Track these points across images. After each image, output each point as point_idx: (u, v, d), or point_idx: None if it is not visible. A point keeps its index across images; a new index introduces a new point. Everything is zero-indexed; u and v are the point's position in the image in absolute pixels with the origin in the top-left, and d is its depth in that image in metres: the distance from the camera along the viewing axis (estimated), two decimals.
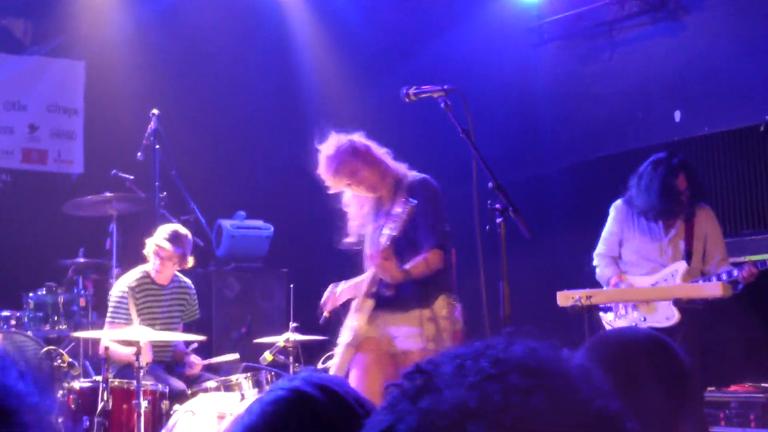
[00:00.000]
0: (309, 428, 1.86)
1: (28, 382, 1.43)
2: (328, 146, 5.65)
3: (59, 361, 6.07)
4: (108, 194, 8.03)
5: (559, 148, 9.97)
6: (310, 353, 6.89)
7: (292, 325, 6.55)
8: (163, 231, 6.96)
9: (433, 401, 1.09)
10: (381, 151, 5.70)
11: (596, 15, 9.63)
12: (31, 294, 7.99)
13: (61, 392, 5.97)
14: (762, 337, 7.52)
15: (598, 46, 9.70)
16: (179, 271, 7.20)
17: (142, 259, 7.06)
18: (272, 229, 9.79)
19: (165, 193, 7.95)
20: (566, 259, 8.62)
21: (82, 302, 8.04)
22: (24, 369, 1.44)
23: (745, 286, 6.21)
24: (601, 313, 6.50)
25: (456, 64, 9.69)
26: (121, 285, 6.89)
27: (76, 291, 8.21)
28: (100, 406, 5.67)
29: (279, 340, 6.42)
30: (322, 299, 5.68)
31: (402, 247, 5.34)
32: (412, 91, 5.44)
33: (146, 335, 5.89)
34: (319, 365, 6.39)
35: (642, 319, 6.36)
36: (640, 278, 6.50)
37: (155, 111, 7.86)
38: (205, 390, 6.28)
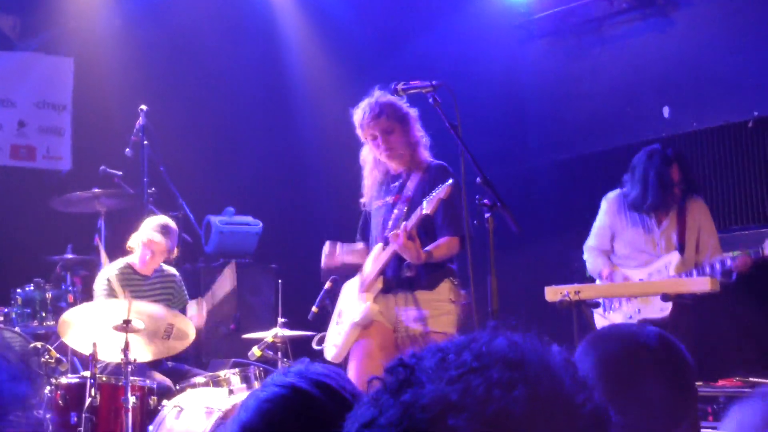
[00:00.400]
0: (306, 425, 1.86)
1: (15, 377, 1.43)
2: (383, 94, 5.67)
3: (47, 357, 6.06)
4: (96, 190, 8.02)
5: (548, 143, 9.97)
6: (299, 348, 6.87)
7: (281, 320, 6.55)
8: (154, 224, 6.94)
9: (415, 395, 1.09)
10: (420, 133, 5.73)
11: (585, 11, 9.63)
12: (19, 290, 7.96)
13: (48, 388, 5.96)
14: (751, 331, 7.53)
15: (587, 43, 9.70)
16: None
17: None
18: (261, 225, 9.77)
19: (153, 189, 7.94)
20: (554, 254, 8.63)
21: (71, 298, 8.02)
22: (10, 364, 1.44)
23: (736, 279, 6.21)
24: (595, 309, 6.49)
25: (444, 60, 9.68)
26: (103, 276, 6.88)
27: (64, 287, 8.19)
28: (87, 401, 5.66)
29: (267, 335, 6.42)
30: (323, 256, 5.78)
31: (419, 229, 5.36)
32: (400, 86, 5.44)
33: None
34: (314, 345, 6.37)
35: (636, 311, 6.36)
36: (633, 271, 6.50)
37: (143, 107, 7.85)
38: (194, 385, 6.27)
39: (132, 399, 5.69)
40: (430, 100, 5.28)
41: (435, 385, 1.09)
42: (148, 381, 6.14)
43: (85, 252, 8.49)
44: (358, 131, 5.73)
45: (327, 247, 5.82)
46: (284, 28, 10.73)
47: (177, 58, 10.35)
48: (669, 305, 6.22)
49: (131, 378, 5.72)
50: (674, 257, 6.33)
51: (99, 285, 6.87)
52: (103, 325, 5.80)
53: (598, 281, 6.64)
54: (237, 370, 6.31)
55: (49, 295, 7.97)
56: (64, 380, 5.99)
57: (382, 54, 10.27)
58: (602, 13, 9.51)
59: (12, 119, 10.13)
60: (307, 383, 1.91)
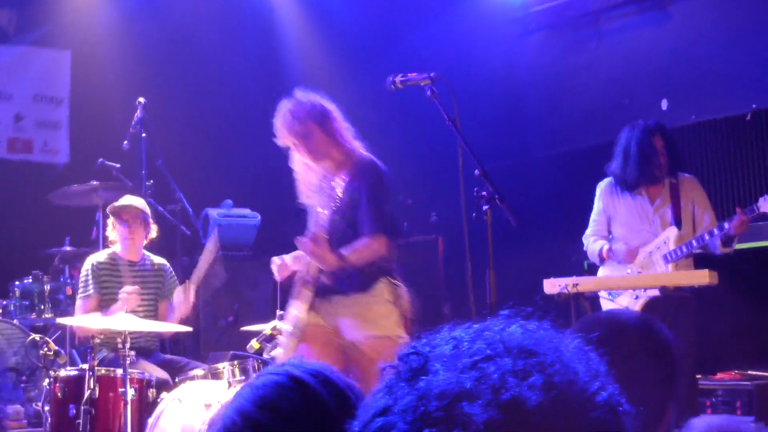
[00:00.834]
0: (300, 411, 1.87)
1: None
2: (292, 100, 5.49)
3: (45, 349, 6.05)
4: (94, 183, 8.02)
5: (546, 136, 9.97)
6: None
7: (279, 313, 6.54)
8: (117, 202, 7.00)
9: (429, 382, 1.09)
10: (343, 125, 5.50)
11: (582, 5, 9.63)
12: (17, 283, 7.97)
13: (47, 380, 5.97)
14: (749, 324, 7.54)
15: (584, 36, 9.70)
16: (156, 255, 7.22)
17: None
18: (259, 217, 9.77)
19: (151, 181, 7.95)
20: (553, 247, 8.64)
21: (68, 291, 8.03)
22: None
23: (736, 273, 6.23)
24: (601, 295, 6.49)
25: (442, 54, 9.68)
26: (87, 264, 6.89)
27: (62, 280, 8.20)
28: (86, 394, 5.65)
29: (266, 328, 6.41)
30: (275, 273, 5.53)
31: (342, 231, 5.23)
32: (398, 79, 5.43)
33: (130, 322, 5.90)
34: (266, 354, 6.33)
35: (643, 289, 6.34)
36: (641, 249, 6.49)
37: (141, 99, 7.86)
38: (192, 378, 6.27)
39: (131, 391, 5.69)
40: (428, 93, 5.28)
41: (449, 373, 1.09)
42: (146, 373, 6.14)
43: (83, 245, 8.49)
44: (279, 140, 5.52)
45: (275, 261, 5.58)
46: (282, 21, 10.73)
47: (175, 50, 10.35)
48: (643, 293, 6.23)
49: (130, 370, 5.73)
50: (672, 232, 6.33)
51: (82, 274, 6.90)
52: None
53: (600, 270, 6.61)
54: (236, 362, 6.31)
55: (47, 287, 7.98)
56: (62, 373, 5.99)
57: (380, 48, 10.27)
58: (599, 7, 9.51)
59: (9, 113, 10.13)
60: (302, 372, 1.93)
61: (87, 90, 10.16)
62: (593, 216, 6.78)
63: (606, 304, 6.42)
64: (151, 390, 6.05)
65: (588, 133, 9.47)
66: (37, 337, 6.27)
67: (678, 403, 2.39)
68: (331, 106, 5.55)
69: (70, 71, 10.42)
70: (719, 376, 7.08)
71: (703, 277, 5.88)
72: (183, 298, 6.80)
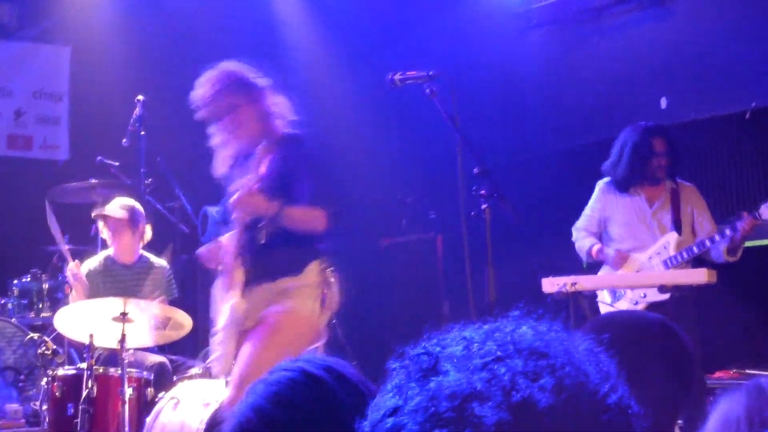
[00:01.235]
0: (314, 406, 1.87)
1: None
2: (219, 71, 5.18)
3: (43, 348, 6.07)
4: (93, 181, 8.01)
5: (546, 133, 9.96)
6: None
7: None
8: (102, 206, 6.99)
9: (440, 383, 1.10)
10: (275, 100, 5.22)
11: (584, 0, 9.61)
12: (15, 281, 7.97)
13: (45, 379, 5.96)
14: (748, 322, 7.54)
15: (585, 32, 9.68)
16: (154, 254, 7.20)
17: None
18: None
19: (151, 179, 7.93)
20: (552, 245, 8.63)
21: (67, 289, 8.01)
22: None
23: (734, 272, 6.22)
24: (601, 292, 6.48)
25: (443, 50, 9.67)
26: (83, 270, 6.89)
27: (60, 278, 8.20)
28: (84, 393, 5.65)
29: None
30: (206, 259, 5.15)
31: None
32: (397, 76, 5.42)
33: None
34: (195, 370, 6.20)
35: (642, 295, 6.34)
36: (634, 254, 6.48)
37: (140, 97, 7.84)
38: (191, 377, 6.27)
39: (129, 390, 5.70)
40: (427, 91, 5.28)
41: (460, 374, 1.10)
42: (145, 372, 6.14)
43: (82, 243, 8.48)
44: (201, 111, 5.18)
45: (206, 248, 5.19)
46: (283, 17, 10.71)
47: (175, 47, 10.33)
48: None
49: (128, 369, 5.73)
50: (672, 237, 6.34)
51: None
52: (100, 317, 5.81)
53: (602, 271, 6.62)
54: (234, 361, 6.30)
55: (45, 285, 7.98)
56: (60, 371, 5.99)
57: (380, 44, 10.26)
58: (601, 3, 9.49)
59: (9, 108, 10.12)
60: (316, 367, 1.93)
61: (87, 87, 10.15)
62: (587, 211, 6.81)
63: (605, 310, 6.42)
64: (149, 389, 6.05)
65: (588, 129, 9.47)
66: (35, 336, 6.28)
67: (691, 404, 2.39)
68: (262, 80, 5.24)
69: (71, 67, 10.42)
70: (717, 375, 7.07)
71: (701, 276, 5.87)
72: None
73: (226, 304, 4.96)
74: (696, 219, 6.51)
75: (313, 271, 4.94)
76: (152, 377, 6.15)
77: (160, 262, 7.26)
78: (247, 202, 4.74)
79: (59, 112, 10.37)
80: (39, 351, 6.06)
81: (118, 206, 6.98)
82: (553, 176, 9.67)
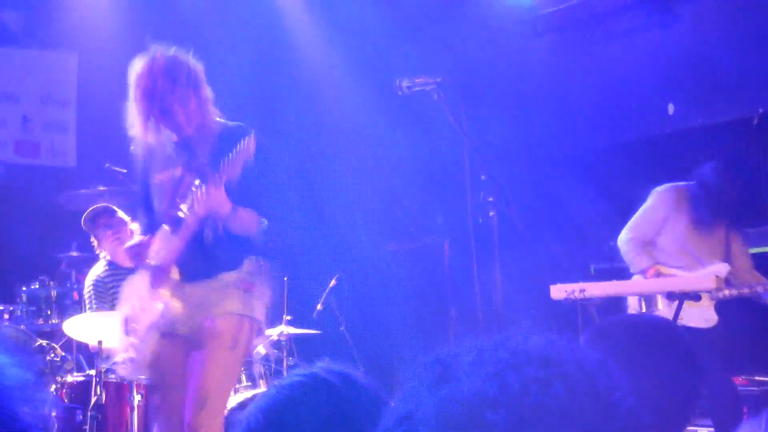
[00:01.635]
0: (326, 412, 1.88)
1: (22, 375, 1.44)
2: (162, 58, 4.94)
3: (52, 355, 6.06)
4: (101, 188, 8.02)
5: (552, 140, 9.95)
6: (304, 346, 6.87)
7: (286, 318, 6.55)
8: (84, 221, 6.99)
9: (452, 390, 1.11)
10: (208, 90, 5.00)
11: (591, 7, 9.60)
12: (24, 288, 7.97)
13: (54, 386, 5.97)
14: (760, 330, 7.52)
15: (592, 38, 9.68)
16: None
17: None
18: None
19: None
20: (560, 251, 8.62)
21: (75, 296, 8.02)
22: (17, 363, 1.45)
23: None
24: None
25: (450, 56, 9.67)
26: (89, 281, 6.90)
27: (69, 285, 8.20)
28: (93, 399, 5.66)
29: (273, 333, 6.41)
30: (134, 255, 4.85)
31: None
32: (405, 83, 5.43)
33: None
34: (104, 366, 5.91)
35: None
36: (677, 271, 6.35)
37: None
38: None
39: (137, 397, 5.70)
40: (435, 97, 5.28)
41: (472, 381, 1.11)
42: None
43: (90, 250, 8.49)
44: (139, 102, 4.84)
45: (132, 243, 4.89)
46: (290, 21, 10.72)
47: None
48: (714, 317, 6.13)
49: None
50: (723, 268, 6.17)
51: (86, 291, 6.90)
52: (110, 324, 5.82)
53: (635, 276, 6.49)
54: (242, 368, 6.31)
55: (54, 292, 7.97)
56: (69, 378, 6.00)
57: (388, 49, 10.26)
58: (608, 9, 9.49)
59: (17, 115, 10.13)
60: (328, 373, 1.94)
61: (94, 93, 10.15)
62: (647, 216, 6.52)
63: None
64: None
65: (595, 136, 9.46)
66: (44, 342, 6.27)
67: (698, 405, 2.39)
68: (199, 66, 5.04)
69: (78, 73, 10.43)
70: None
71: (709, 282, 5.85)
72: None
73: (155, 303, 4.71)
74: (741, 250, 6.47)
75: (249, 266, 4.81)
76: None
77: None
78: (214, 197, 4.49)
79: (66, 119, 10.38)
80: (48, 358, 6.05)
81: (87, 220, 6.98)
82: (560, 182, 9.66)
